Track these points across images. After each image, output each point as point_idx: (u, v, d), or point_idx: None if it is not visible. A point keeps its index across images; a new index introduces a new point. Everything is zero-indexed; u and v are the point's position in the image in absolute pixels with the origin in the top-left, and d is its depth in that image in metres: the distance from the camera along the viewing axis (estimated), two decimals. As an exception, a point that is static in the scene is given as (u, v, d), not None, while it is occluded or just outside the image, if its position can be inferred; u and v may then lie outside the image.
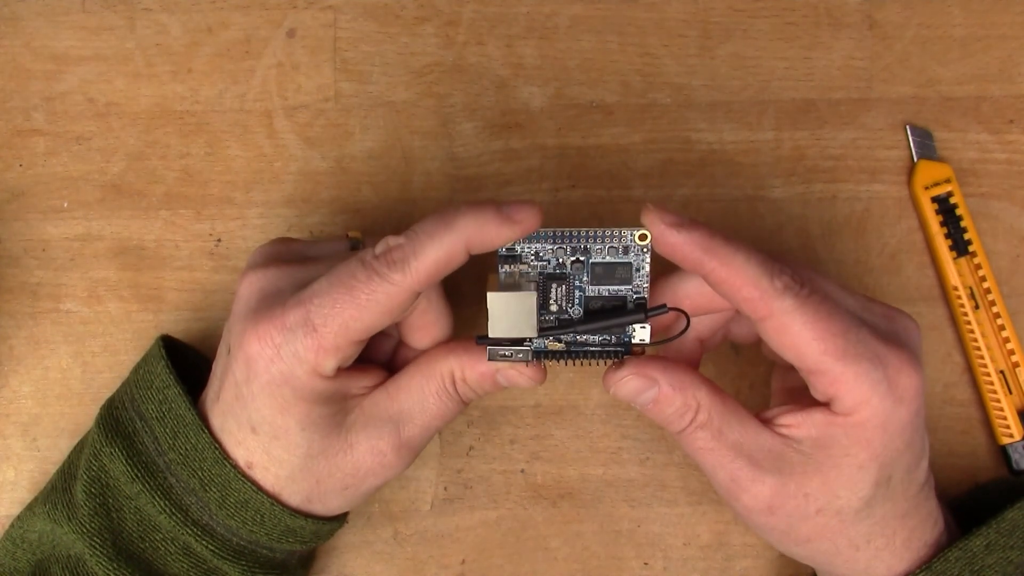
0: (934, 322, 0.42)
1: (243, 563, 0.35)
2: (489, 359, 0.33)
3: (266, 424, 0.33)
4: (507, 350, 0.33)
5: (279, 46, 0.43)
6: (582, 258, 0.33)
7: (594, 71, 0.43)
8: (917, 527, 0.34)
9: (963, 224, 0.41)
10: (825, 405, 0.33)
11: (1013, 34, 0.42)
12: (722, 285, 0.31)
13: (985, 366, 0.41)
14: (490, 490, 0.42)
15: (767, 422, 0.33)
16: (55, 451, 0.42)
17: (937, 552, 0.34)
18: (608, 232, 0.32)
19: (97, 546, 0.34)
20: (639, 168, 0.42)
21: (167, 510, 0.34)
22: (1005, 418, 0.41)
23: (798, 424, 0.33)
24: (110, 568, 0.34)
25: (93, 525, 0.34)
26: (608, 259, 0.33)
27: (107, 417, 0.36)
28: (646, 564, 0.42)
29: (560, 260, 0.33)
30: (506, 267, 0.33)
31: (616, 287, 0.33)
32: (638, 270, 0.33)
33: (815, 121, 0.42)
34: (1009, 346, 0.41)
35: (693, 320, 0.35)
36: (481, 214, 0.30)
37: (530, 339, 0.33)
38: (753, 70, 0.43)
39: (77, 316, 0.42)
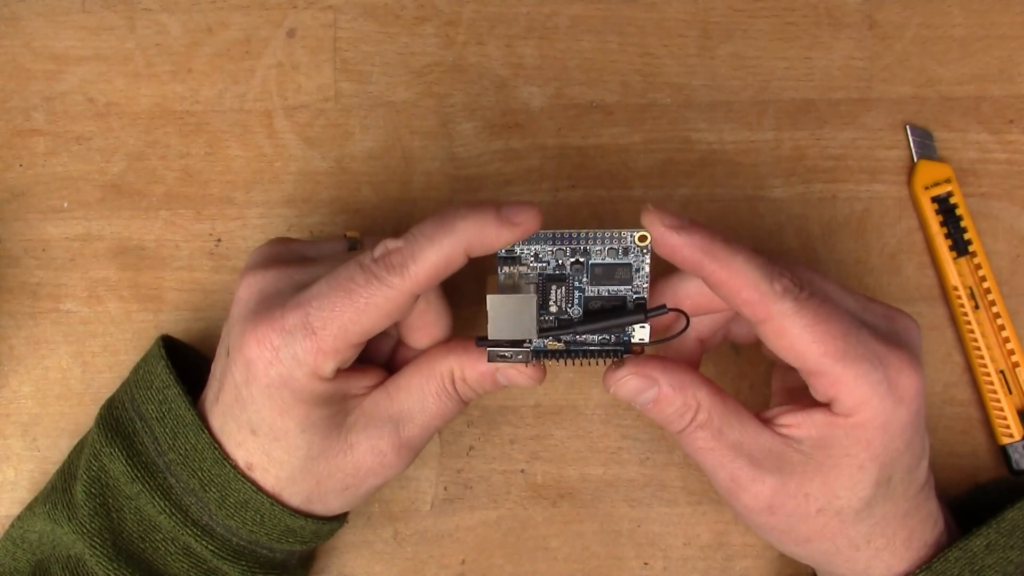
0: (934, 322, 0.42)
1: (243, 563, 0.35)
2: (489, 360, 0.33)
3: (266, 426, 0.33)
4: (507, 351, 0.33)
5: (279, 46, 0.43)
6: (582, 259, 0.33)
7: (594, 71, 0.42)
8: (917, 527, 0.34)
9: (963, 224, 0.41)
10: (825, 406, 0.33)
11: (1013, 34, 0.42)
12: (721, 287, 0.31)
13: (985, 366, 0.41)
14: (490, 490, 0.42)
15: (767, 422, 0.33)
16: (55, 451, 0.42)
17: (937, 552, 0.34)
18: (607, 234, 0.32)
19: (97, 546, 0.34)
20: (639, 168, 0.42)
21: (167, 510, 0.34)
22: (1005, 418, 0.41)
23: (798, 424, 0.33)
24: (110, 568, 0.34)
25: (93, 525, 0.34)
26: (608, 260, 0.32)
27: (107, 417, 0.36)
28: (646, 564, 0.42)
29: (560, 261, 0.33)
30: (505, 269, 0.33)
31: (616, 288, 0.33)
32: (638, 271, 0.33)
33: (815, 121, 0.42)
34: (1009, 346, 0.41)
35: (693, 320, 0.34)
36: (480, 217, 0.30)
37: (530, 340, 0.33)
38: (753, 70, 0.43)
39: (77, 316, 0.42)
